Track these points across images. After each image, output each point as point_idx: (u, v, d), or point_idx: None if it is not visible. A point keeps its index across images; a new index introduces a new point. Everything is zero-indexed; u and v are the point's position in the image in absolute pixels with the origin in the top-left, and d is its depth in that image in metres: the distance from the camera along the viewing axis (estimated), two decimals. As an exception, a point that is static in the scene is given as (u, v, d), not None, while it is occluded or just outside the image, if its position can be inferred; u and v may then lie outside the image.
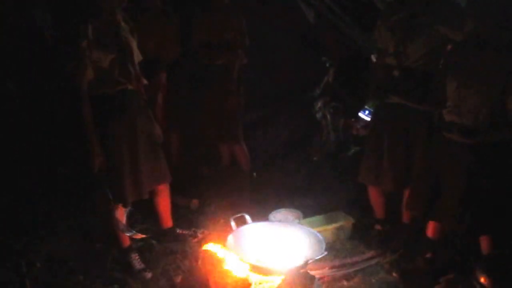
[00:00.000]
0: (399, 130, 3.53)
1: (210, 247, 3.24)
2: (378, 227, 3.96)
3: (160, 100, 4.28)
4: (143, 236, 3.59)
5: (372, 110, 3.65)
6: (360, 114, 3.70)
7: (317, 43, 4.80)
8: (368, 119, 3.65)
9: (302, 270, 3.10)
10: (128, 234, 3.53)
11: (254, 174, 4.85)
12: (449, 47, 3.17)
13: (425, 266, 3.46)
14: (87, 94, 3.08)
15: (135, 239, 3.64)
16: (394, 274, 3.47)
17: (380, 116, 3.62)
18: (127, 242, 3.57)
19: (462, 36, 3.06)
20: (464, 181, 3.10)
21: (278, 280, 3.07)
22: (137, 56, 3.31)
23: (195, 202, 4.46)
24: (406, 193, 3.63)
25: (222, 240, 3.26)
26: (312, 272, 3.20)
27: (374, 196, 3.89)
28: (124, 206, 3.44)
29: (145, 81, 3.38)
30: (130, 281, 3.40)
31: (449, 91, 3.09)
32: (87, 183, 3.58)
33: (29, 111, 4.13)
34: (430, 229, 3.48)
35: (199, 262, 3.36)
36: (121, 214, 3.45)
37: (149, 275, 3.48)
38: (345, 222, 3.98)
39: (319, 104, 4.56)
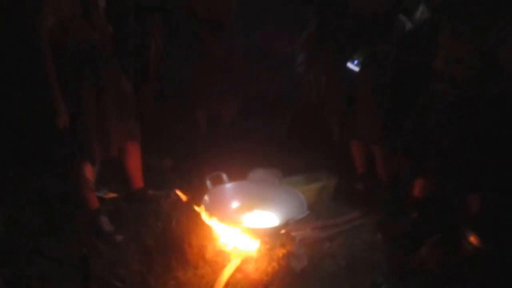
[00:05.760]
0: (388, 81, 3.61)
1: (184, 208, 3.35)
2: (359, 185, 4.10)
3: (153, 47, 4.28)
4: (115, 195, 3.74)
5: (360, 60, 3.71)
6: (349, 65, 3.74)
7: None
8: (357, 69, 3.72)
9: (282, 231, 3.22)
10: (98, 194, 3.61)
11: None
12: None
13: (411, 226, 3.56)
14: (49, 45, 3.06)
15: (105, 199, 3.76)
16: (378, 235, 3.58)
17: (368, 66, 3.70)
18: (95, 204, 3.61)
19: None
20: (452, 136, 3.20)
21: (257, 242, 3.17)
22: (101, 1, 3.29)
23: (167, 161, 4.50)
24: (379, 150, 3.87)
25: (197, 201, 3.33)
26: (293, 234, 3.29)
27: (355, 146, 4.06)
28: (92, 164, 3.50)
29: (110, 29, 3.36)
30: (100, 245, 3.44)
31: (441, 40, 3.17)
32: (51, 141, 3.64)
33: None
34: (417, 187, 3.56)
35: (173, 224, 3.46)
36: (90, 173, 3.51)
37: (119, 238, 3.52)
38: (328, 181, 4.05)
39: (301, 58, 4.55)
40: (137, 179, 3.92)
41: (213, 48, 4.49)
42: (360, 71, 3.73)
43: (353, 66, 3.74)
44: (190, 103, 4.80)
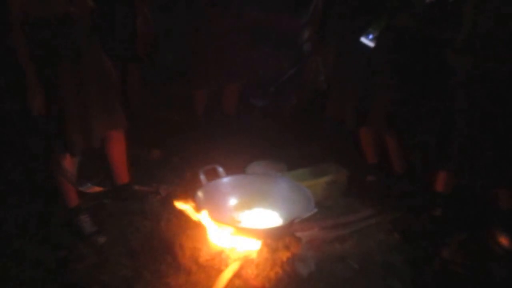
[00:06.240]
0: (407, 59, 3.51)
1: (175, 205, 3.22)
2: (370, 177, 4.02)
3: (141, 17, 4.16)
4: (101, 189, 3.64)
5: (376, 35, 3.62)
6: (363, 40, 3.63)
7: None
8: (372, 45, 3.62)
9: (286, 232, 3.11)
10: (81, 189, 3.53)
11: None
12: None
13: (433, 225, 3.47)
14: (19, 20, 2.99)
15: (86, 195, 3.63)
16: (396, 235, 3.45)
17: (385, 42, 3.60)
18: (75, 201, 3.53)
19: None
20: (479, 121, 3.10)
21: (257, 244, 3.07)
22: None
23: (156, 153, 4.46)
24: (392, 138, 3.76)
25: (190, 197, 3.23)
26: (298, 234, 3.19)
27: (365, 134, 3.98)
28: (72, 155, 3.40)
29: (91, 3, 3.26)
30: (80, 247, 3.35)
31: (465, 13, 3.07)
32: (25, 130, 3.60)
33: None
34: (440, 181, 3.48)
35: (162, 224, 3.43)
36: (71, 165, 3.42)
37: (102, 239, 3.43)
38: (337, 175, 3.94)
39: (306, 34, 4.52)
40: (122, 173, 3.84)
41: (218, 21, 4.47)
42: (375, 47, 3.62)
43: (367, 41, 3.64)
44: (186, 83, 4.78)
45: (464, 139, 3.18)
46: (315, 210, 3.11)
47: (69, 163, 3.41)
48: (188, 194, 3.31)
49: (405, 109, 3.61)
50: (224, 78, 4.74)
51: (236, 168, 3.81)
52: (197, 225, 3.17)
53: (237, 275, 2.97)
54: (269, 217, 3.37)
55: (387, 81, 3.64)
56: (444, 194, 3.50)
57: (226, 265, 3.00)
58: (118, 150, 3.72)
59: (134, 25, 4.15)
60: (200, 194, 3.26)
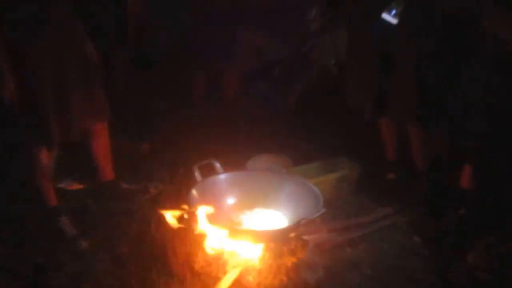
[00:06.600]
0: (431, 41, 3.37)
1: (167, 205, 3.14)
2: (390, 175, 3.90)
3: None
4: (81, 186, 3.60)
5: (400, 10, 3.47)
6: (384, 16, 3.49)
7: None
8: (395, 21, 3.47)
9: (292, 234, 2.99)
10: (60, 185, 3.52)
11: None
12: None
13: (456, 226, 3.35)
14: None
15: (67, 193, 3.61)
16: (414, 238, 3.34)
17: (410, 18, 3.46)
18: (54, 200, 3.42)
19: None
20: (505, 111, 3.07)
21: (259, 248, 2.94)
22: None
23: (145, 146, 4.38)
24: (415, 131, 3.64)
25: (183, 196, 3.13)
26: (305, 237, 3.08)
27: (385, 126, 3.89)
28: (49, 148, 3.32)
29: None
30: (59, 252, 3.24)
31: None
32: None
33: None
34: (465, 177, 3.38)
35: (152, 227, 3.28)
36: (47, 159, 3.34)
37: (84, 244, 3.32)
38: (349, 170, 3.85)
39: (314, 12, 4.46)
40: (106, 170, 3.72)
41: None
42: (398, 24, 3.48)
43: (390, 17, 3.48)
44: (184, 65, 4.75)
45: (491, 131, 3.14)
46: (324, 210, 2.96)
47: (46, 157, 3.33)
48: (181, 192, 3.21)
49: (430, 96, 3.46)
50: (225, 59, 4.69)
51: (235, 163, 3.72)
52: (192, 227, 2.99)
53: (236, 283, 2.83)
54: (272, 218, 3.21)
55: (410, 64, 3.47)
56: (468, 191, 3.40)
57: (224, 272, 2.86)
58: (101, 144, 3.62)
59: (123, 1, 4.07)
60: (194, 192, 3.10)
